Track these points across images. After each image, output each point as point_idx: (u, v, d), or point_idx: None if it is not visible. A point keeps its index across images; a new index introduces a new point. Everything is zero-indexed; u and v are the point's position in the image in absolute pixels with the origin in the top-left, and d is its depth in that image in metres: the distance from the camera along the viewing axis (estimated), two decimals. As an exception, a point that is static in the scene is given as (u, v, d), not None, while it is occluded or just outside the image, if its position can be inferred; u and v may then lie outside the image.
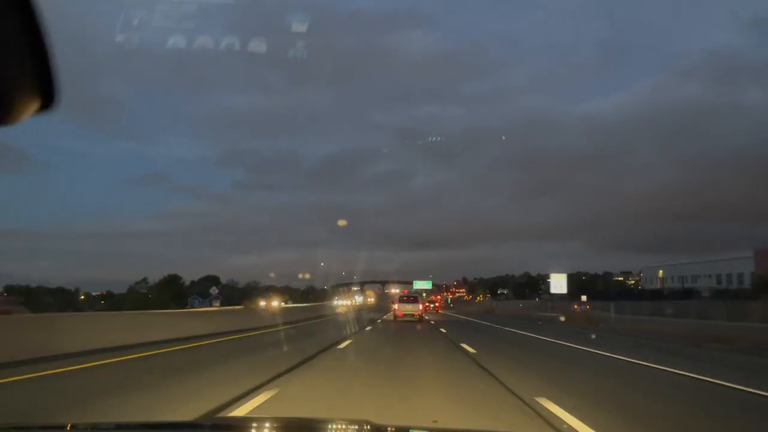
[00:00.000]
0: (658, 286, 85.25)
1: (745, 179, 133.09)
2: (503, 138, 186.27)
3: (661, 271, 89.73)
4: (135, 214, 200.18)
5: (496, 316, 46.82)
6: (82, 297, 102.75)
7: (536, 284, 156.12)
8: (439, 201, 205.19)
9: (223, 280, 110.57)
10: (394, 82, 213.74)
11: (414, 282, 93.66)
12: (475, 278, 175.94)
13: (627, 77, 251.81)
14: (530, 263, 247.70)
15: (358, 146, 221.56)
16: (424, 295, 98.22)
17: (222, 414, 5.62)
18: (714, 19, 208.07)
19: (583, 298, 71.39)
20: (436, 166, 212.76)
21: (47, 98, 1.16)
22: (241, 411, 5.82)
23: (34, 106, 1.16)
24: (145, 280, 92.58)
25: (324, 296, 79.95)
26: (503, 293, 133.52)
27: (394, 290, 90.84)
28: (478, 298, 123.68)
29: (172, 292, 78.86)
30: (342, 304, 54.52)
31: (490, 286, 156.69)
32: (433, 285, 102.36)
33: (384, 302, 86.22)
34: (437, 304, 73.71)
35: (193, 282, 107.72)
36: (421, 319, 32.27)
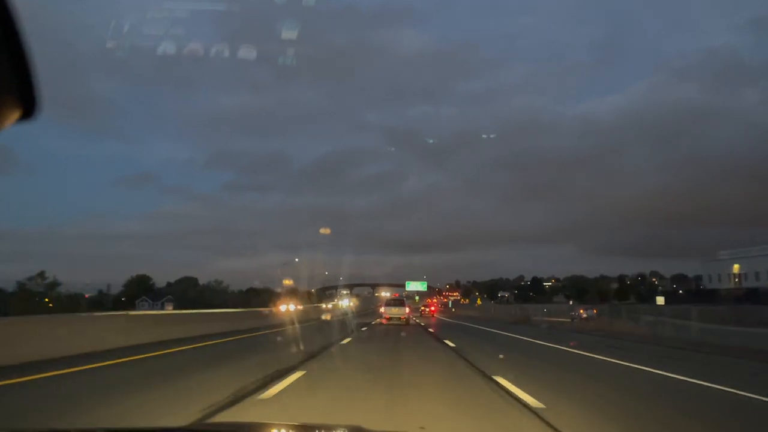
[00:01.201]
0: (730, 284, 70.24)
1: (742, 181, 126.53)
2: (494, 136, 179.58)
3: (737, 266, 71.54)
4: (122, 215, 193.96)
5: (558, 335, 24.39)
6: (47, 299, 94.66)
7: (541, 287, 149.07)
8: (431, 204, 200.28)
9: (205, 282, 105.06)
10: (386, 82, 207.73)
11: (407, 283, 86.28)
12: (468, 281, 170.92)
13: (623, 78, 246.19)
14: (525, 267, 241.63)
15: (350, 147, 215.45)
16: (417, 298, 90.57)
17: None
18: (711, 19, 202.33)
19: (660, 300, 57.17)
20: (429, 167, 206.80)
21: (28, 106, 1.17)
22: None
23: (15, 114, 1.16)
24: (41, 274, 75.56)
25: (311, 300, 71.63)
26: (504, 296, 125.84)
27: (384, 293, 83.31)
28: (478, 301, 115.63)
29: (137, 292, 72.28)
30: (289, 309, 35.09)
31: (487, 288, 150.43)
32: (427, 287, 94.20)
33: (372, 306, 77.79)
34: (433, 309, 63.65)
35: (169, 283, 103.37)
36: (407, 323, 31.82)
